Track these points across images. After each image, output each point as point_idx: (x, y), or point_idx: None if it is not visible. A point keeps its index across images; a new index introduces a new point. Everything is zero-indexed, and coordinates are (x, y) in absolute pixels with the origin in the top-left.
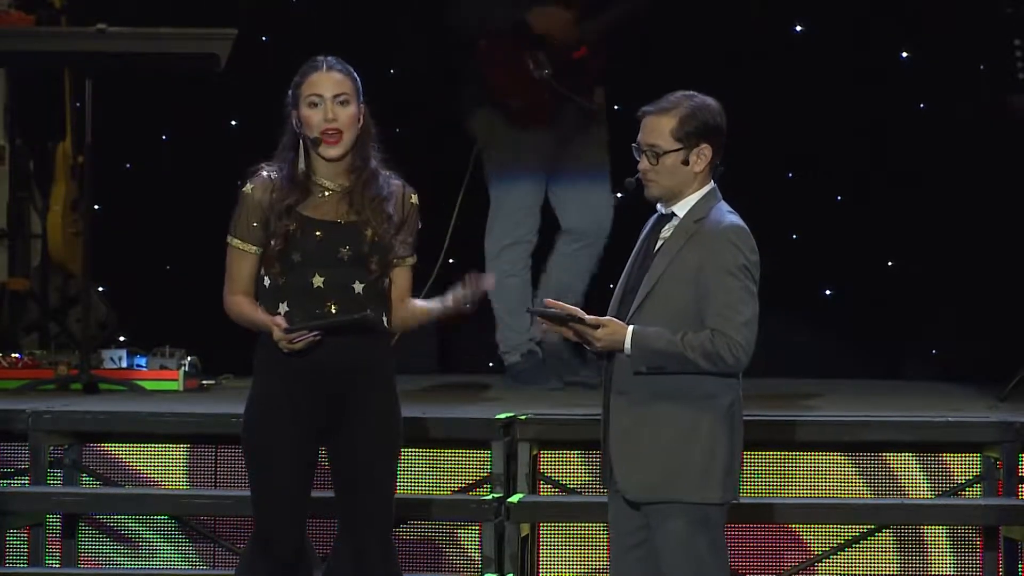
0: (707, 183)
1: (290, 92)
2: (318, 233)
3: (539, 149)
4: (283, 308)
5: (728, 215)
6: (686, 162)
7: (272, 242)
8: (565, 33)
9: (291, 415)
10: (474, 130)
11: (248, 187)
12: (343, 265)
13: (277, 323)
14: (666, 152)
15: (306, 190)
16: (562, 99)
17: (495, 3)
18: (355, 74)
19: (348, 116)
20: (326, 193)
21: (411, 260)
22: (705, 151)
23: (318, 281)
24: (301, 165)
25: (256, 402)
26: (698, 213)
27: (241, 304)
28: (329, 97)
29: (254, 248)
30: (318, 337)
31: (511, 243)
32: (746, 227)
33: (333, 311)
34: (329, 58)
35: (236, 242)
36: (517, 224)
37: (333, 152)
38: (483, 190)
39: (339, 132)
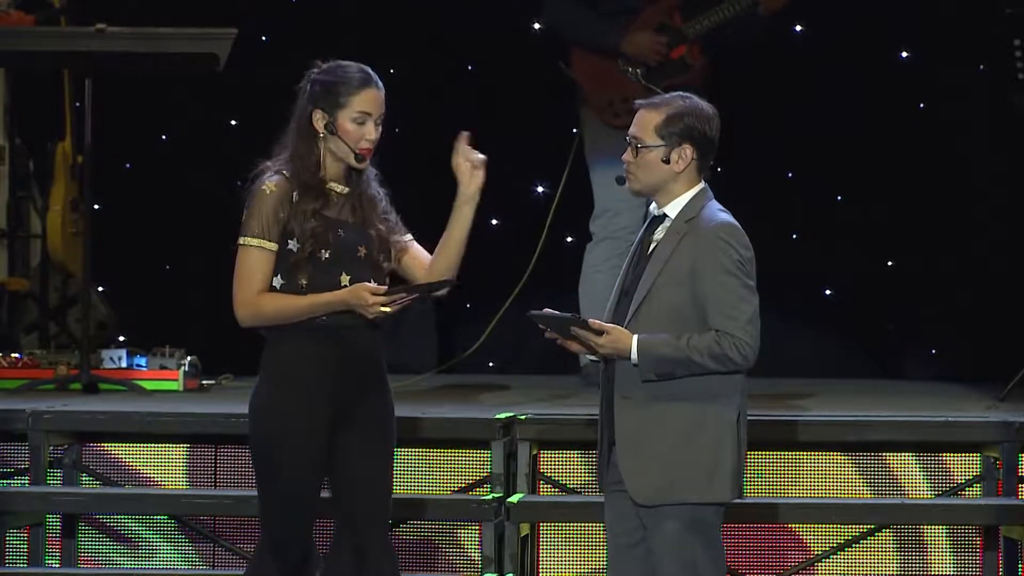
0: (696, 183)
1: (322, 90)
2: (340, 232)
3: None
4: None
5: (719, 213)
6: (667, 160)
7: (291, 244)
8: (655, 57)
9: (312, 417)
10: (581, 126)
11: (268, 185)
12: (362, 264)
13: (370, 288)
14: (647, 147)
15: (326, 193)
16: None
17: (591, 24)
18: None
19: (379, 134)
20: (336, 195)
21: (408, 236)
22: (687, 151)
23: (345, 279)
24: (324, 172)
25: (274, 405)
26: (689, 213)
27: (274, 299)
28: (375, 116)
29: (273, 246)
30: (410, 303)
31: (605, 237)
32: (737, 224)
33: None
34: (369, 70)
35: (255, 241)
36: (613, 216)
37: (363, 165)
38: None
39: (371, 149)
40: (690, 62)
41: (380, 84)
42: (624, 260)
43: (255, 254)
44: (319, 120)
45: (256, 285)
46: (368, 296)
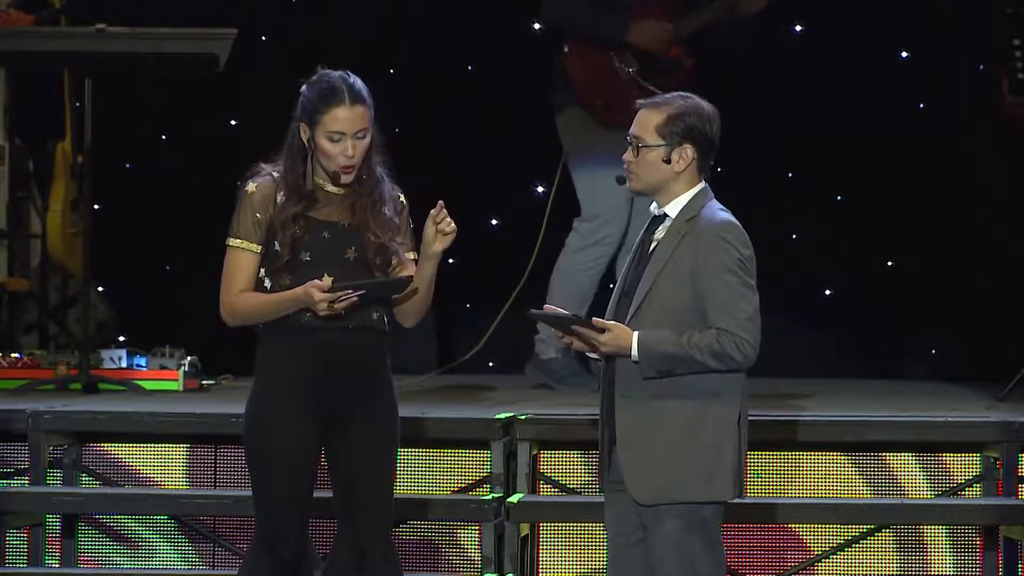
0: (697, 183)
1: (302, 105)
2: (325, 234)
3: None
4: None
5: (719, 212)
6: (667, 160)
7: (276, 246)
8: (663, 47)
9: (297, 417)
10: (561, 130)
11: (251, 186)
12: (350, 266)
13: (318, 285)
14: (647, 146)
15: (312, 197)
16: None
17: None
18: (369, 93)
19: (364, 147)
20: (329, 196)
21: (412, 255)
22: (687, 152)
23: (327, 282)
24: (311, 182)
25: (260, 405)
26: (689, 212)
27: (249, 298)
28: (351, 134)
29: (257, 247)
30: (357, 299)
31: (592, 243)
32: (737, 222)
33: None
34: (351, 81)
35: (238, 243)
36: (603, 223)
37: (346, 180)
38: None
39: (354, 166)
40: (683, 61)
41: (359, 97)
42: (599, 271)
43: (236, 255)
44: (304, 133)
45: (236, 285)
46: (315, 293)
